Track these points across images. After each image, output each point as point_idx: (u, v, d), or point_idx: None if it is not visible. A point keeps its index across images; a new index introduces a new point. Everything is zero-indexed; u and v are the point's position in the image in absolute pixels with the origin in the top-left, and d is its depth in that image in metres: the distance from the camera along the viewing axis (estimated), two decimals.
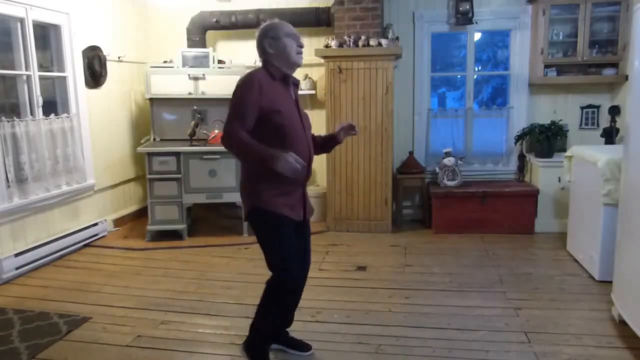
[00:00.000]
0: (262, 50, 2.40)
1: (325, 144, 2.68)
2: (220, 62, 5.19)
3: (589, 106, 5.11)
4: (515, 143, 5.19)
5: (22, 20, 4.01)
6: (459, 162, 5.10)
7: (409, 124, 5.40)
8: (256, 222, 2.42)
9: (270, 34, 2.37)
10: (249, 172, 2.43)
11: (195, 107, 4.99)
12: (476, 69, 5.53)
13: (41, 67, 4.27)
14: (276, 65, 2.39)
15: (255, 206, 2.38)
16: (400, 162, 5.28)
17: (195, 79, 5.04)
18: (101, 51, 4.90)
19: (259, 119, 2.28)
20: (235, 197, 4.86)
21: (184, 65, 5.04)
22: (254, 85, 2.27)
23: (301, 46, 2.41)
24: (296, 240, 2.47)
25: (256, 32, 2.43)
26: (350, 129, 2.61)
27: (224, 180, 4.79)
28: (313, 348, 2.75)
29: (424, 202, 5.27)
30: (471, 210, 4.87)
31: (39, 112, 4.15)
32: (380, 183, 4.93)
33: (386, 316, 3.16)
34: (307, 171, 2.45)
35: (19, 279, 3.83)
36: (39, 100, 4.15)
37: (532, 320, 3.06)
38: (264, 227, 2.41)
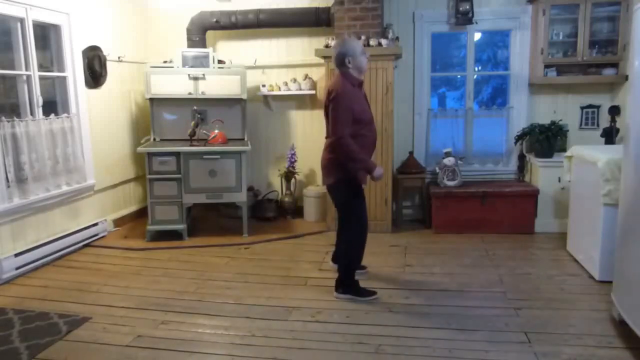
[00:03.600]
0: (341, 64, 3.26)
1: None
2: (220, 62, 5.19)
3: (589, 106, 5.11)
4: (515, 143, 5.19)
5: (22, 20, 4.01)
6: (459, 162, 5.10)
7: (409, 124, 5.40)
8: (343, 188, 3.37)
9: (350, 53, 3.22)
10: (338, 154, 3.25)
11: (195, 107, 4.99)
12: (476, 69, 5.53)
13: (41, 67, 4.27)
14: (353, 75, 3.27)
15: (345, 178, 3.30)
16: (400, 162, 5.28)
17: (195, 79, 5.04)
18: (101, 51, 4.90)
19: (355, 115, 3.18)
20: (235, 197, 4.87)
21: (184, 65, 5.04)
22: (347, 96, 3.18)
23: (367, 59, 3.36)
24: None
25: (335, 48, 3.29)
26: None
27: (224, 180, 4.79)
28: (314, 348, 2.76)
29: (424, 202, 5.27)
30: (471, 210, 4.87)
31: (39, 112, 4.15)
32: (380, 183, 4.92)
33: (386, 316, 3.16)
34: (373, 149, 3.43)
35: (19, 279, 3.82)
36: (39, 100, 4.15)
37: (532, 320, 3.06)
38: (349, 193, 3.38)
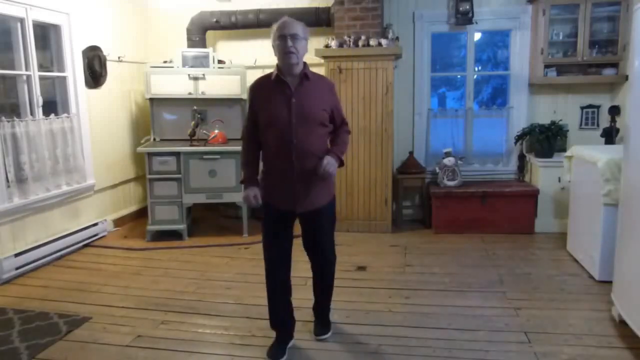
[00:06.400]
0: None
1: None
2: (220, 62, 5.19)
3: (589, 106, 5.11)
4: (515, 143, 5.19)
5: (22, 20, 4.01)
6: (459, 162, 5.10)
7: (409, 124, 5.40)
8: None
9: (272, 39, 2.57)
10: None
11: (195, 107, 4.99)
12: (476, 69, 5.53)
13: (41, 67, 4.27)
14: (278, 66, 2.60)
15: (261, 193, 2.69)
16: (400, 162, 5.28)
17: (195, 79, 5.04)
18: (101, 51, 4.90)
19: (255, 114, 2.64)
20: (235, 197, 4.87)
21: (184, 65, 5.04)
22: (249, 90, 2.78)
23: (287, 50, 2.47)
24: (287, 228, 2.80)
25: None
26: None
27: (224, 180, 4.78)
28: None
29: (424, 202, 5.27)
30: (471, 210, 4.87)
31: (39, 112, 4.15)
32: (380, 183, 4.93)
33: (386, 316, 3.16)
34: (298, 165, 2.57)
35: (19, 279, 3.82)
36: (39, 100, 4.15)
37: (532, 320, 3.06)
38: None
